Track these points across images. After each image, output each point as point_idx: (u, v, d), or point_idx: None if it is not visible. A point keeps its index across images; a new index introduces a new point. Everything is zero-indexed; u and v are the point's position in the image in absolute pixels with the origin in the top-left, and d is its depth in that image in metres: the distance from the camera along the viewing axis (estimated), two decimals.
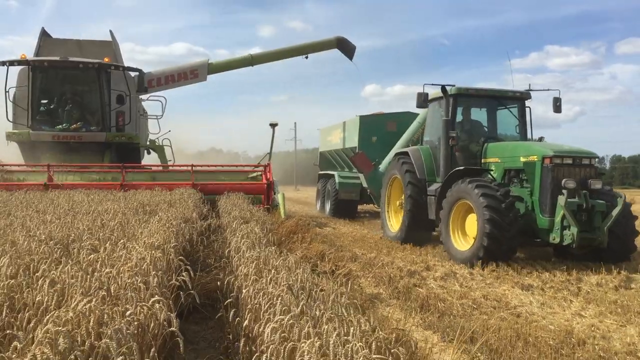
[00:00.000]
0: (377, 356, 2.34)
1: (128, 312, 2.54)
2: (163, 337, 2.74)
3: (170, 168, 14.61)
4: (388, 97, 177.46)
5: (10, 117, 13.74)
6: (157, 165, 15.43)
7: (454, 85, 9.74)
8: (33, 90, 13.78)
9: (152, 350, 2.38)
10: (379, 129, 15.06)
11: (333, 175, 16.40)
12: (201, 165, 13.48)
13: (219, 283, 4.67)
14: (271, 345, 2.46)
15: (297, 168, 69.95)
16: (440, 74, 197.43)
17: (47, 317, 2.38)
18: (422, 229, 9.99)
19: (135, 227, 5.56)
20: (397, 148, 12.89)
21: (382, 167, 13.28)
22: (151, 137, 17.04)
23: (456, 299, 6.03)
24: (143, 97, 16.41)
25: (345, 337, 2.49)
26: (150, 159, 17.02)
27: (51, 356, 1.89)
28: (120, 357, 2.02)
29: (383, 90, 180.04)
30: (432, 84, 9.72)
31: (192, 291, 3.70)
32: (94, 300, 2.62)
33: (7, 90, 13.58)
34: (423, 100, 9.71)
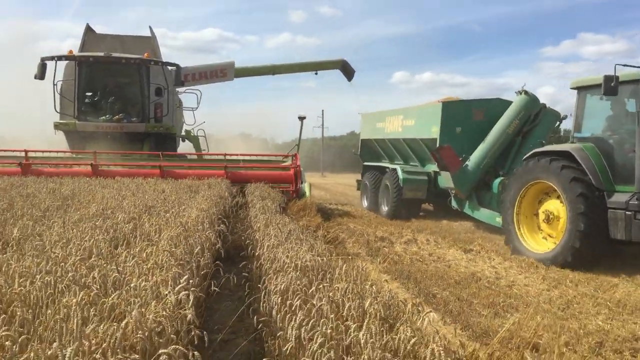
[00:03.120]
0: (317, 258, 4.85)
1: (197, 235, 5.10)
2: (211, 251, 5.30)
3: (205, 157, 15.81)
4: (417, 84, 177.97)
5: (58, 109, 14.68)
6: (192, 154, 16.80)
7: None
8: (79, 83, 14.65)
9: (208, 254, 4.92)
10: (464, 118, 12.80)
11: (391, 169, 14.35)
12: (233, 155, 14.18)
13: (243, 238, 7.23)
14: (266, 252, 4.99)
15: (324, 155, 72.55)
16: (469, 60, 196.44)
17: (164, 234, 4.96)
18: (597, 251, 8.05)
19: (187, 200, 8.16)
20: (492, 143, 11.77)
21: (471, 164, 11.85)
22: (187, 127, 18.34)
23: (409, 255, 8.54)
24: (179, 89, 17.42)
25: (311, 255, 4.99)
26: (184, 147, 18.34)
27: (174, 248, 4.43)
28: (198, 247, 4.57)
29: (412, 77, 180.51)
30: (626, 65, 7.98)
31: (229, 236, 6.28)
32: (180, 229, 5.19)
33: (55, 83, 14.43)
34: (613, 85, 7.68)
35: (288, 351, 2.86)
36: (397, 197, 13.55)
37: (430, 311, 3.41)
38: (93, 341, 2.10)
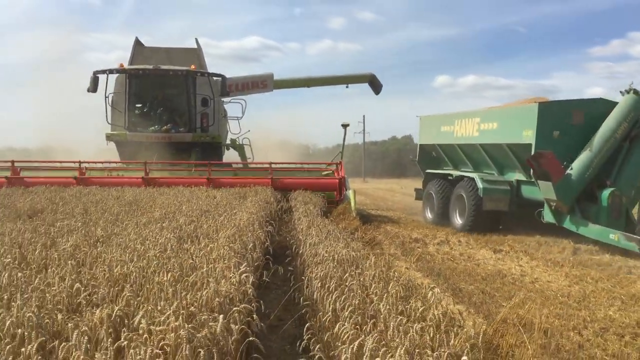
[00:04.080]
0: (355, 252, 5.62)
1: (249, 234, 5.94)
2: (262, 247, 6.14)
3: (251, 166, 16.39)
4: (460, 87, 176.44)
5: (110, 120, 15.13)
6: (238, 163, 17.23)
7: None
8: (129, 95, 15.15)
9: (259, 250, 5.75)
10: (562, 121, 11.46)
11: (468, 178, 12.93)
12: (278, 163, 14.31)
13: (287, 239, 8.05)
14: (308, 249, 5.79)
15: (365, 160, 73.22)
16: (514, 63, 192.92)
17: (221, 234, 5.82)
18: None
19: (237, 205, 9.05)
20: (598, 149, 10.68)
21: (574, 172, 10.67)
22: (232, 136, 18.47)
23: (441, 255, 9.20)
24: (225, 99, 17.72)
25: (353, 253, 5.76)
26: (229, 155, 18.62)
27: (231, 244, 5.28)
28: (251, 244, 5.40)
29: (454, 81, 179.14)
30: None
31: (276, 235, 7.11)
32: (234, 229, 6.05)
33: (106, 95, 14.94)
34: None
35: (327, 322, 3.64)
36: (475, 209, 12.14)
37: (435, 287, 4.10)
38: (184, 302, 2.93)
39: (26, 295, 3.04)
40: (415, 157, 16.63)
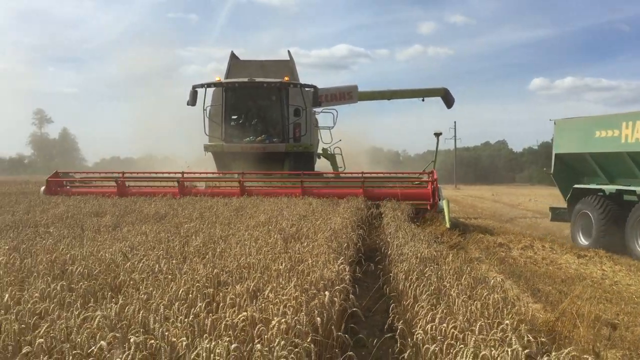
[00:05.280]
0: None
1: (343, 236, 6.86)
2: (354, 247, 7.03)
3: (342, 175, 16.64)
4: (557, 90, 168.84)
5: (207, 131, 15.78)
6: (329, 173, 17.55)
7: None
8: (225, 107, 15.71)
9: (352, 249, 6.64)
10: None
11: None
12: (370, 173, 14.58)
13: (377, 242, 8.90)
14: (395, 249, 6.61)
15: (457, 167, 72.50)
16: (617, 62, 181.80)
17: (319, 235, 6.78)
18: None
19: (331, 211, 10.01)
20: None
21: None
22: (324, 146, 19.01)
23: (523, 259, 9.66)
24: (316, 109, 18.13)
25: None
26: (320, 163, 19.34)
27: (329, 243, 6.21)
28: (345, 244, 6.30)
29: (551, 83, 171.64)
30: None
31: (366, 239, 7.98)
32: (330, 232, 6.99)
33: (205, 108, 15.65)
34: None
35: (408, 306, 4.46)
36: None
37: (496, 276, 4.79)
38: (298, 282, 3.88)
39: (184, 276, 4.12)
40: (549, 169, 14.28)
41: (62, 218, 8.69)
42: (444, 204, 12.50)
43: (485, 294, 4.02)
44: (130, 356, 2.34)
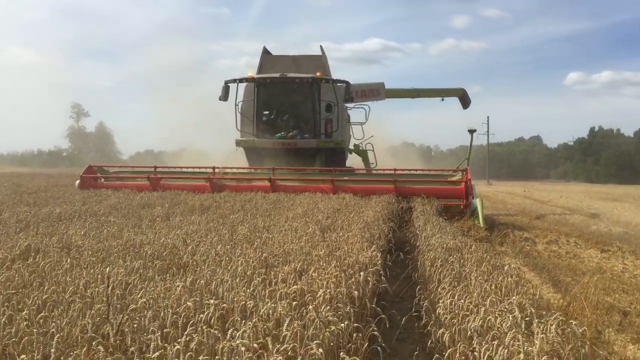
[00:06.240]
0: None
1: (375, 227, 7.47)
2: (386, 238, 7.63)
3: (374, 172, 16.59)
4: (594, 84, 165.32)
5: (239, 127, 16.01)
6: (361, 169, 17.63)
7: None
8: (257, 103, 15.83)
9: (384, 240, 7.24)
10: None
11: None
12: (402, 170, 14.34)
13: (407, 235, 9.47)
14: (423, 240, 7.18)
15: (489, 162, 72.10)
16: None
17: (353, 227, 7.41)
18: None
19: (363, 205, 10.62)
20: None
21: None
22: (355, 141, 19.14)
23: (547, 253, 10.11)
24: (349, 105, 18.22)
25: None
26: (351, 159, 19.17)
27: (363, 234, 6.82)
28: (377, 234, 6.91)
29: (588, 77, 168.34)
30: None
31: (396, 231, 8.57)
32: (363, 224, 7.60)
33: (236, 103, 15.85)
34: None
35: (435, 289, 5.05)
36: None
37: (510, 262, 5.34)
38: (337, 264, 4.52)
39: (238, 258, 4.81)
40: None
41: (117, 208, 9.52)
42: (477, 202, 12.48)
43: (500, 278, 4.59)
44: (210, 314, 3.00)
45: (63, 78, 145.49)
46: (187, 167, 15.53)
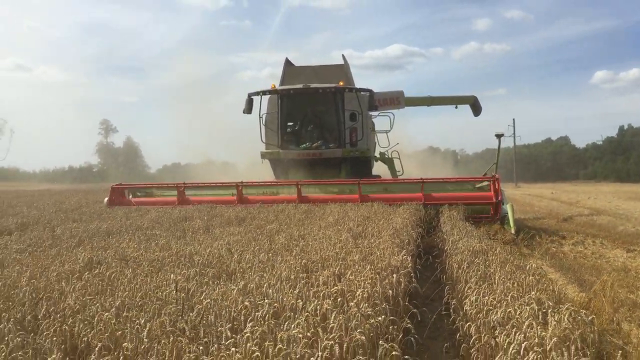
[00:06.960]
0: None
1: (404, 233, 7.89)
2: (414, 243, 8.04)
3: (401, 180, 16.31)
4: (623, 82, 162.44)
5: (264, 139, 16.01)
6: (388, 180, 16.69)
7: None
8: (281, 114, 15.86)
9: (412, 244, 7.65)
10: None
11: None
12: (430, 179, 14.11)
13: (435, 239, 9.85)
14: (450, 245, 7.58)
15: (517, 165, 71.60)
16: None
17: (383, 233, 7.84)
18: None
19: (392, 212, 11.03)
20: None
21: None
22: (381, 149, 18.98)
23: (573, 254, 10.37)
24: (373, 113, 18.20)
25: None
26: (376, 167, 19.05)
27: (393, 239, 7.26)
28: (406, 240, 7.33)
29: (616, 75, 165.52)
30: None
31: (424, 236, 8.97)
32: (392, 230, 8.02)
33: (261, 115, 15.84)
34: None
35: (462, 289, 5.46)
36: None
37: (532, 263, 5.71)
38: (372, 267, 4.97)
39: (280, 265, 5.29)
40: None
41: (159, 222, 10.12)
42: (508, 208, 12.36)
43: (523, 276, 4.98)
44: (265, 311, 3.48)
45: (89, 94, 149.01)
46: (215, 184, 15.55)
